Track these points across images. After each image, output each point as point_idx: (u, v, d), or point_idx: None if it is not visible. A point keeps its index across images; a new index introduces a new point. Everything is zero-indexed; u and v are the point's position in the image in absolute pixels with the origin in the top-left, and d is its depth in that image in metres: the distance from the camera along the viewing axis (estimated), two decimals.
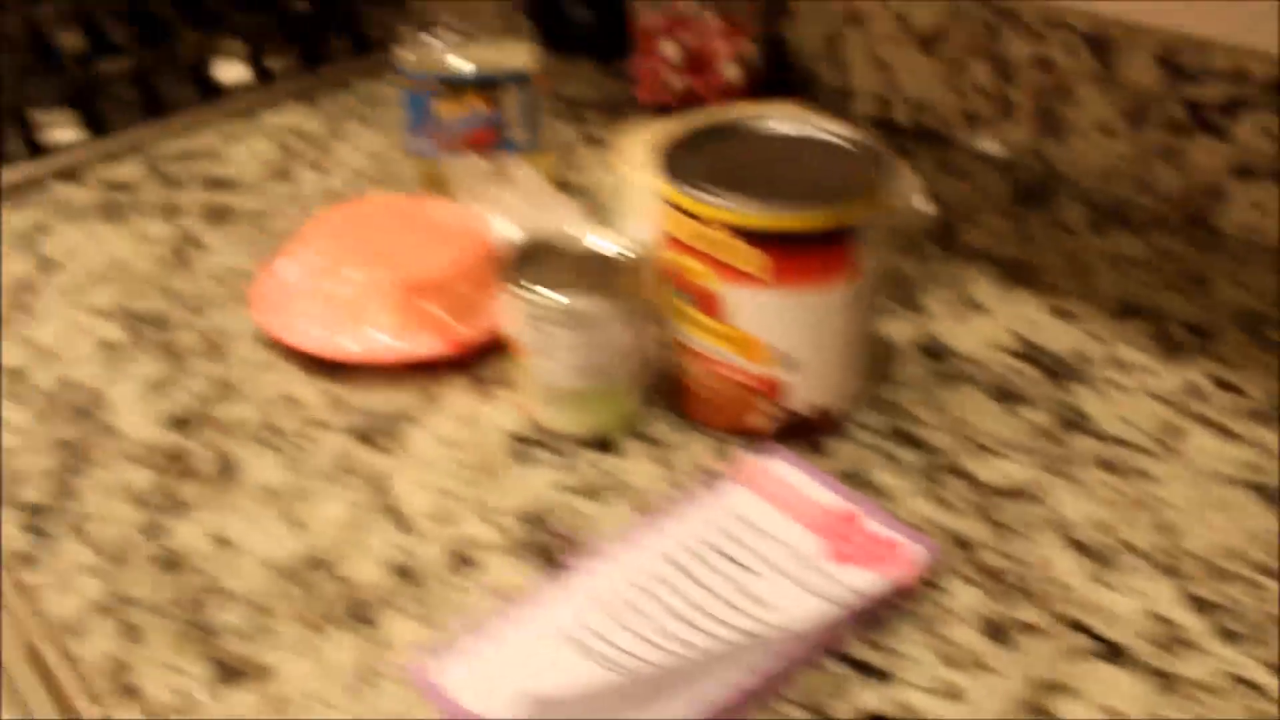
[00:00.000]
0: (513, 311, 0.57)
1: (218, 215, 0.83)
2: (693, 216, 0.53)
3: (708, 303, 0.55)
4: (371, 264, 0.65)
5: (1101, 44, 0.78)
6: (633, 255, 0.58)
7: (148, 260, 0.78)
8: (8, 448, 0.61)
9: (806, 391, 0.57)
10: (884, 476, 0.57)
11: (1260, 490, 0.56)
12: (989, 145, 0.87)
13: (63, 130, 0.94)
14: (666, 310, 0.58)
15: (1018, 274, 0.73)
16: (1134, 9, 0.76)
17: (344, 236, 0.68)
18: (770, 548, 0.52)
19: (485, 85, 0.75)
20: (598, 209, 0.73)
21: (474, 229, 0.68)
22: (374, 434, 0.60)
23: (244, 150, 0.93)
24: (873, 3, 0.90)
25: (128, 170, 0.91)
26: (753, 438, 0.59)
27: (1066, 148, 0.83)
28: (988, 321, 0.69)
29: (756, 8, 0.92)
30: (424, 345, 0.64)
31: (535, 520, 0.55)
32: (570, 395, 0.57)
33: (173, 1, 1.11)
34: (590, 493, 0.56)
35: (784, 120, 0.59)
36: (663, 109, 0.95)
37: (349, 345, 0.64)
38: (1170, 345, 0.67)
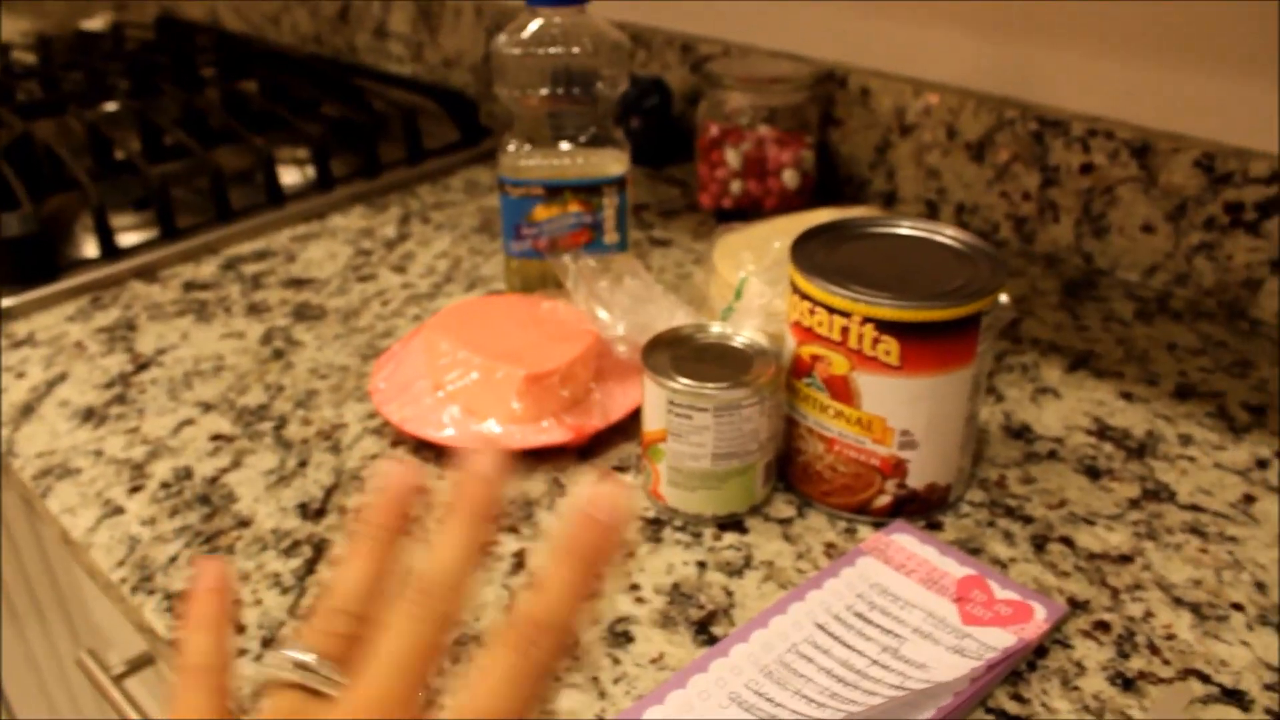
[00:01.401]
0: (652, 399, 0.60)
1: (306, 313, 0.86)
2: (830, 309, 0.58)
3: (839, 388, 0.60)
4: (492, 357, 0.69)
5: (1143, 150, 0.85)
6: (763, 345, 0.62)
7: (245, 356, 0.81)
8: (139, 537, 0.63)
9: (925, 470, 0.61)
10: (996, 546, 0.61)
11: None
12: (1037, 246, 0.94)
13: (135, 232, 0.98)
14: (795, 396, 0.62)
15: (1081, 361, 0.79)
16: (1176, 120, 0.83)
17: (461, 331, 0.72)
18: (908, 613, 0.55)
19: (585, 190, 0.80)
20: (699, 304, 0.77)
21: (586, 324, 0.72)
22: (504, 520, 0.63)
23: (319, 251, 0.97)
24: (922, 115, 0.97)
25: (206, 270, 0.94)
26: (874, 514, 0.63)
27: (1107, 244, 0.89)
28: (1061, 405, 0.74)
29: (812, 118, 0.99)
30: (546, 434, 0.67)
31: (680, 595, 0.58)
32: (702, 477, 0.61)
33: (230, 108, 1.16)
34: (727, 568, 0.59)
35: (900, 223, 0.64)
36: (723, 213, 1.01)
37: (472, 435, 0.67)
38: (1232, 423, 0.72)
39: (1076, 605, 0.57)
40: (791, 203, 1.00)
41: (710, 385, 0.59)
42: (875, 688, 0.51)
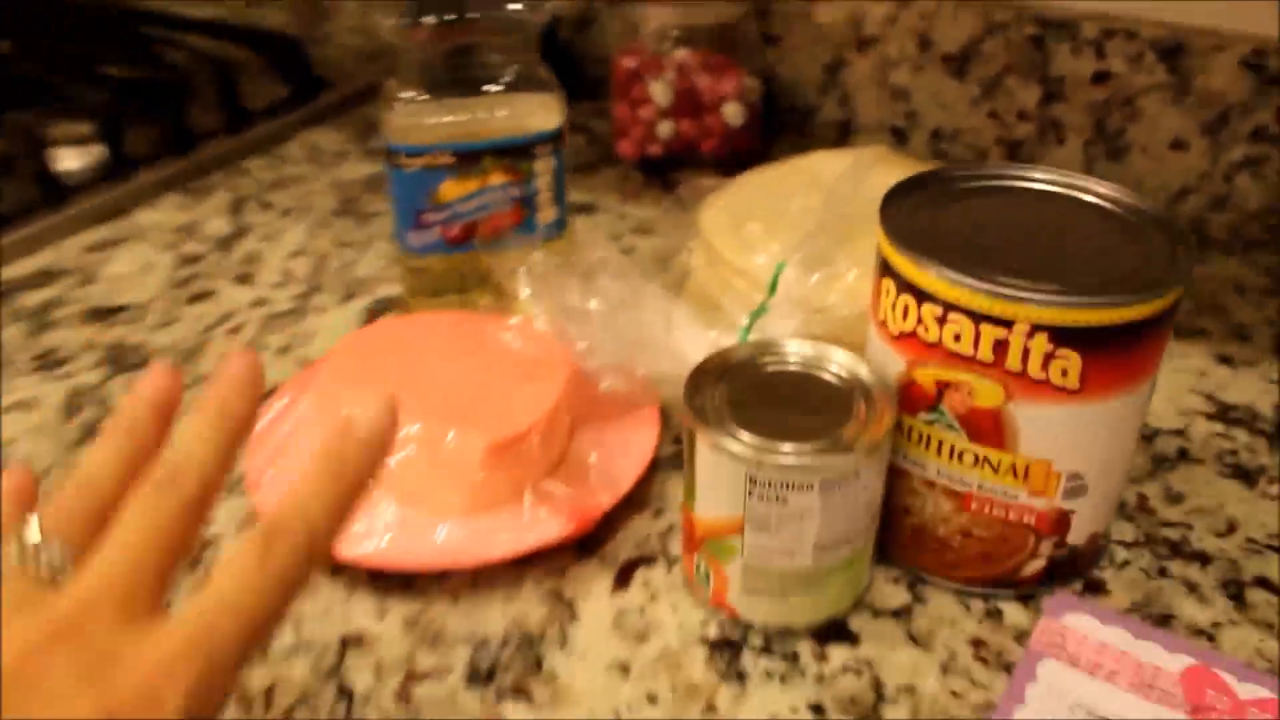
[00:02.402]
0: (714, 473, 0.41)
1: (124, 359, 0.61)
2: (976, 315, 0.39)
3: (983, 426, 0.41)
4: (433, 417, 0.47)
5: (1174, 51, 0.69)
6: (859, 371, 0.43)
7: (41, 438, 0.55)
8: None
9: (1090, 520, 0.44)
10: (1186, 606, 0.45)
11: None
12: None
13: None
14: (907, 438, 0.43)
15: None
16: (1214, 13, 0.68)
17: (373, 379, 0.49)
18: None
19: (510, 153, 0.58)
20: (701, 303, 0.56)
21: (552, 349, 0.51)
22: (501, 675, 0.42)
23: (127, 262, 0.71)
24: (884, 24, 0.78)
25: None
26: (1018, 585, 0.45)
27: (1126, 167, 0.74)
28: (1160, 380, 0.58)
29: (751, 36, 0.79)
30: (537, 529, 0.46)
31: None
32: (799, 579, 0.42)
33: None
34: (854, 707, 0.41)
35: (1027, 174, 0.46)
36: (651, 162, 0.80)
37: (422, 545, 0.45)
38: None
39: None
40: (737, 143, 0.80)
41: (811, 449, 0.39)
42: None
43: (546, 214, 0.61)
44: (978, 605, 0.45)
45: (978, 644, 0.43)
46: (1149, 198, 0.43)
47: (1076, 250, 0.41)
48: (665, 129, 0.79)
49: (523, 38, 0.59)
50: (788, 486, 0.39)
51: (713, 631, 0.44)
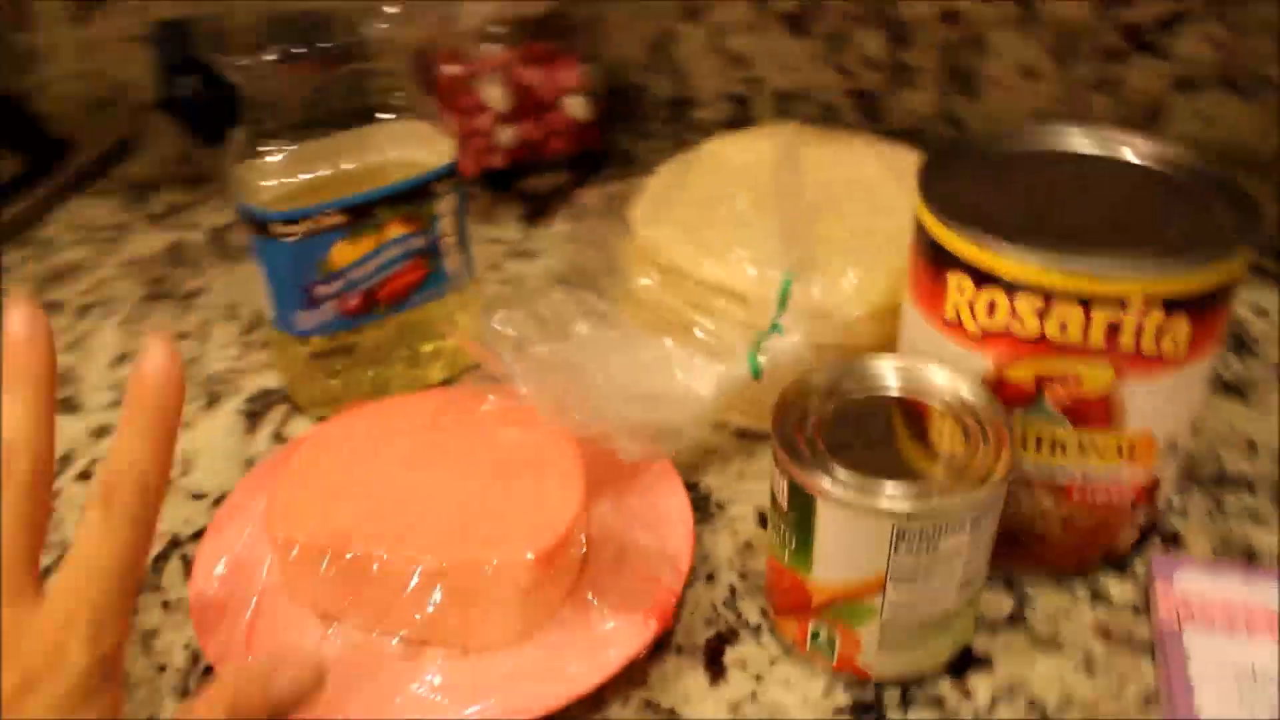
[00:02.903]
0: (847, 535, 0.35)
1: None
2: (1088, 300, 0.36)
3: (1092, 412, 0.38)
4: (450, 544, 0.38)
5: None
6: (955, 385, 0.38)
7: None
8: None
9: (1172, 480, 0.42)
10: (1254, 534, 0.44)
11: None
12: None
13: None
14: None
15: None
16: None
17: (343, 514, 0.40)
18: None
19: (406, 199, 0.49)
20: (662, 330, 0.49)
21: (533, 418, 0.43)
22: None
23: None
24: None
25: None
26: (1113, 561, 0.43)
27: (980, 103, 0.74)
28: None
29: (578, 21, 0.72)
30: (620, 642, 0.39)
31: None
32: (939, 622, 0.37)
33: None
34: None
35: (1065, 133, 0.43)
36: (495, 175, 0.72)
37: (496, 699, 0.37)
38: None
39: None
40: (586, 139, 0.73)
41: (962, 488, 0.34)
42: None
43: (453, 260, 0.52)
44: (1082, 590, 0.42)
45: (1105, 632, 0.41)
46: (1191, 154, 0.41)
47: (1144, 215, 0.39)
48: (506, 135, 0.70)
49: (392, 62, 0.49)
50: (940, 532, 0.34)
51: (842, 699, 0.39)
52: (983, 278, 0.37)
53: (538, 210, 0.70)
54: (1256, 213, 0.38)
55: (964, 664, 0.40)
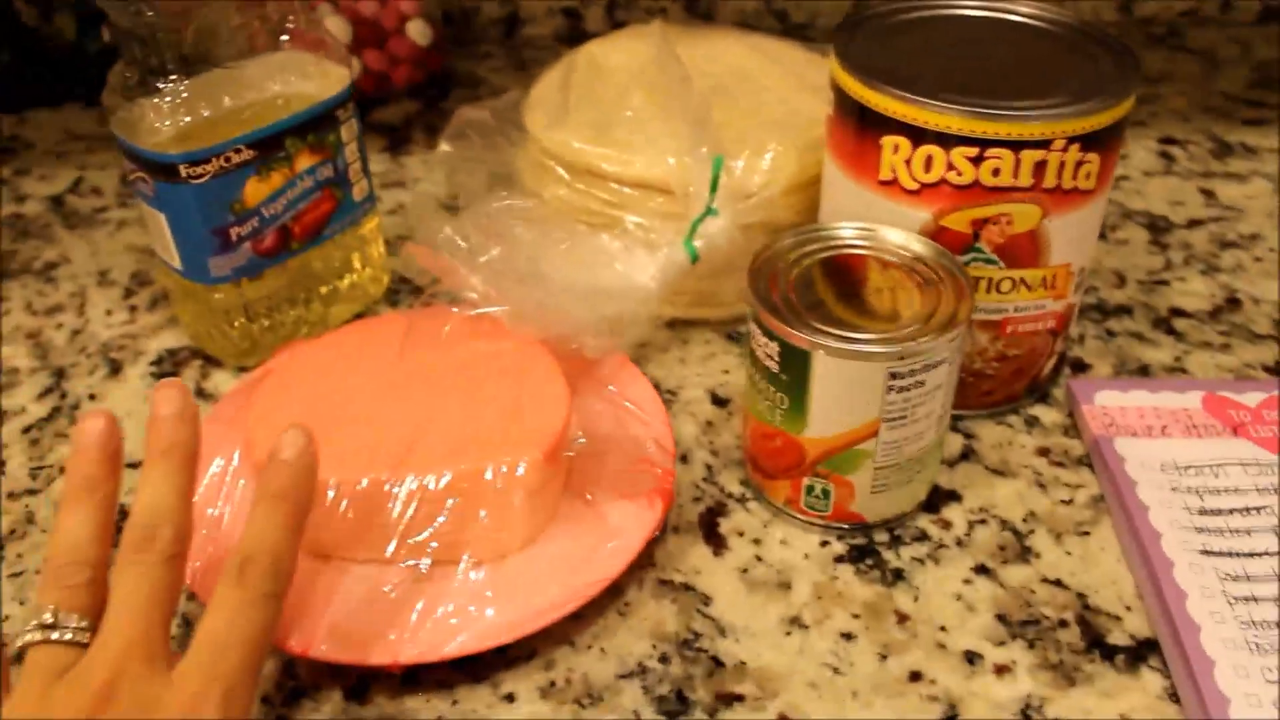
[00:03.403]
0: (842, 385, 0.37)
1: None
2: (1016, 144, 0.39)
3: (1022, 249, 0.42)
4: (452, 458, 0.38)
5: None
6: (924, 246, 0.41)
7: None
8: None
9: (1078, 306, 0.47)
10: (1143, 351, 0.50)
11: None
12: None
13: None
14: None
15: None
16: None
17: (332, 431, 0.39)
18: (1233, 477, 0.43)
19: (312, 127, 0.47)
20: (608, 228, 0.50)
21: (497, 331, 0.43)
22: (693, 694, 0.37)
23: None
24: None
25: None
26: (1036, 391, 0.48)
27: None
28: None
29: None
30: (626, 530, 0.40)
31: (1023, 624, 0.39)
32: (918, 459, 0.40)
33: None
34: (1001, 552, 0.41)
35: (945, 5, 0.46)
36: None
37: (523, 602, 0.38)
38: None
39: None
40: (431, 65, 0.72)
41: (939, 329, 0.37)
42: None
43: (360, 188, 0.51)
44: (1017, 420, 0.47)
45: (1045, 452, 0.45)
46: (1068, 11, 0.45)
47: (1044, 66, 0.43)
48: (354, 68, 0.68)
49: None
50: (928, 367, 0.37)
51: (839, 548, 0.42)
52: (923, 136, 0.40)
53: (400, 140, 0.68)
54: (1136, 59, 0.42)
55: (935, 501, 0.43)
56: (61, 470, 0.46)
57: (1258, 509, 0.41)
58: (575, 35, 0.78)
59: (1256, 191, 0.62)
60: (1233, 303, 0.53)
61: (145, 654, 0.30)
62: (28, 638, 0.31)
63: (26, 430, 0.48)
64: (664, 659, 0.38)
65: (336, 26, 0.66)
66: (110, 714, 0.28)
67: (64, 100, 0.72)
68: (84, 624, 0.31)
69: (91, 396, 0.49)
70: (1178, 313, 0.53)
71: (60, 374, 0.51)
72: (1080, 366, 0.50)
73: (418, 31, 0.69)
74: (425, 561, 0.38)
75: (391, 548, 0.38)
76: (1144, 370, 0.49)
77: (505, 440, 0.39)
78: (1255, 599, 0.38)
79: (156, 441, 0.34)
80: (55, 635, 0.30)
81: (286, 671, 0.38)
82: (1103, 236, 0.58)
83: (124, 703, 0.29)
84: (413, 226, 0.59)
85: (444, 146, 0.58)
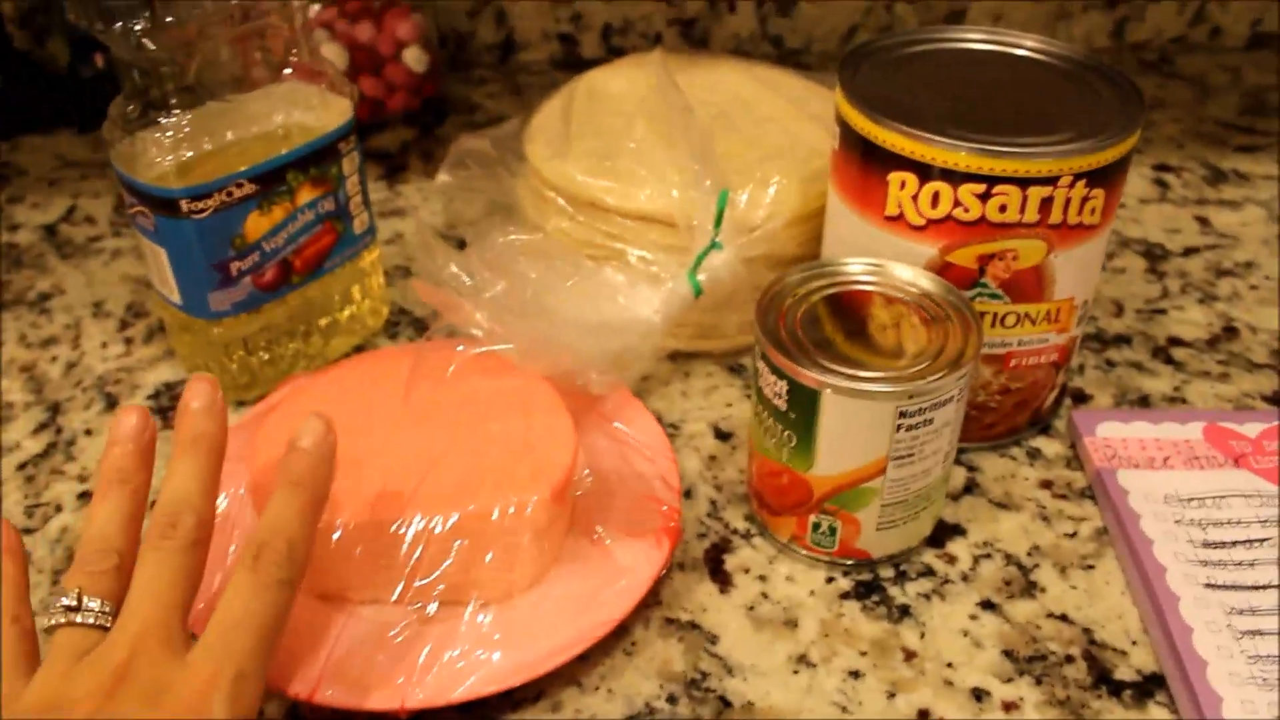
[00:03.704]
0: (852, 424, 0.37)
1: None
2: (1023, 181, 0.39)
3: (1026, 284, 0.42)
4: (460, 497, 0.38)
5: None
6: (931, 282, 0.41)
7: None
8: None
9: (1081, 338, 0.47)
10: (1143, 382, 0.50)
11: None
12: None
13: None
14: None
15: None
16: None
17: (339, 469, 0.38)
18: (1237, 509, 0.43)
19: (313, 161, 0.47)
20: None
21: (499, 366, 0.43)
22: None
23: None
24: None
25: None
26: (1038, 423, 0.48)
27: (796, 19, 0.77)
28: None
29: None
30: (633, 569, 0.39)
31: (1032, 659, 0.39)
32: (924, 495, 0.40)
33: None
34: (1006, 586, 0.41)
35: (963, 35, 0.46)
36: None
37: (530, 645, 0.37)
38: None
39: None
40: (426, 91, 0.72)
41: (948, 367, 0.37)
42: None
43: (361, 220, 0.51)
44: (1019, 452, 0.47)
45: (1048, 484, 0.45)
46: (1075, 46, 0.45)
47: (1048, 101, 0.43)
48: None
49: (283, 18, 0.47)
50: (936, 405, 0.37)
51: (844, 584, 0.41)
52: (931, 173, 0.40)
53: (397, 167, 0.68)
54: (1140, 93, 0.43)
55: (940, 535, 0.43)
56: (59, 508, 0.45)
57: (1260, 541, 0.41)
58: (571, 61, 0.79)
59: (1251, 218, 0.62)
60: (1230, 331, 0.53)
61: (162, 637, 0.31)
62: (53, 619, 0.32)
63: (21, 467, 0.47)
64: (671, 699, 0.37)
65: (333, 53, 0.66)
66: (125, 692, 0.29)
67: (56, 126, 0.71)
68: (107, 608, 0.32)
69: (88, 431, 0.49)
70: (1176, 342, 0.53)
71: (55, 408, 0.50)
72: (1081, 397, 0.50)
73: (414, 58, 0.69)
74: (433, 605, 0.37)
75: (398, 591, 0.37)
76: (1144, 400, 0.50)
77: (512, 479, 0.38)
78: (1261, 633, 0.38)
79: (185, 432, 0.35)
80: (79, 618, 0.31)
81: (291, 717, 0.37)
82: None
83: (139, 683, 0.30)
84: (411, 257, 0.59)
85: (443, 176, 0.58)
